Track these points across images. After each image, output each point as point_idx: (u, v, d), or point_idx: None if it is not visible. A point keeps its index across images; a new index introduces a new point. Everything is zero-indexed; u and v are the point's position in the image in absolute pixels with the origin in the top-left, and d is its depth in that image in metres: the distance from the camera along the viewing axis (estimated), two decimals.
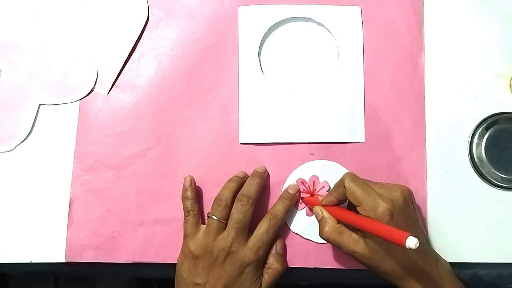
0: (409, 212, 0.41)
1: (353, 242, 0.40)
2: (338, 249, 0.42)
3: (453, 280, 0.41)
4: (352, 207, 0.41)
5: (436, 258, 0.42)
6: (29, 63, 0.49)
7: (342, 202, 0.43)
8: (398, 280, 0.40)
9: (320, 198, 0.44)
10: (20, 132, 0.48)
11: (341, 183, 0.41)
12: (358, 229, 0.40)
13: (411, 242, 0.32)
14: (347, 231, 0.41)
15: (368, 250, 0.40)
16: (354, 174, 0.42)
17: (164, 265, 0.46)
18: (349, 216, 0.40)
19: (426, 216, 0.46)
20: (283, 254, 0.45)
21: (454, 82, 0.48)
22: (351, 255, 0.41)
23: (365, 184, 0.40)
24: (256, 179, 0.45)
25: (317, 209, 0.43)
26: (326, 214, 0.42)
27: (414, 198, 0.44)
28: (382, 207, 0.38)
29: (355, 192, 0.40)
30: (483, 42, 0.48)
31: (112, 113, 0.48)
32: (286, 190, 0.45)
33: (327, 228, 0.41)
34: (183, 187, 0.45)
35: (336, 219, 0.42)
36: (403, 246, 0.32)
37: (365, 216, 0.39)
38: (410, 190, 0.42)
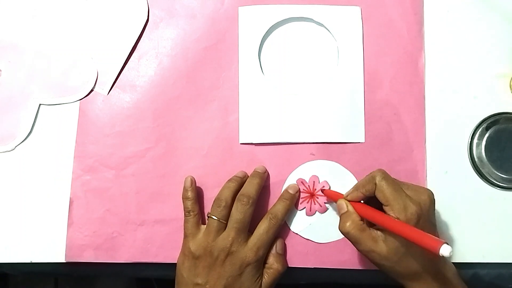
0: (432, 217, 0.41)
1: (372, 241, 0.39)
2: (355, 245, 0.41)
3: (459, 281, 0.41)
4: (372, 205, 0.41)
5: (444, 261, 0.42)
6: (29, 63, 0.49)
7: (366, 198, 0.42)
8: (410, 280, 0.40)
9: (344, 193, 0.43)
10: (20, 132, 0.48)
11: (371, 179, 0.40)
12: (378, 229, 0.40)
13: (445, 250, 0.31)
14: (368, 228, 0.40)
15: (387, 250, 0.39)
16: (386, 171, 0.41)
17: (164, 265, 0.46)
18: (377, 216, 0.39)
19: None
20: (283, 254, 0.45)
21: (454, 82, 0.48)
22: (367, 254, 0.40)
23: (396, 184, 0.40)
24: (256, 179, 0.45)
25: (342, 201, 0.42)
26: (351, 208, 0.42)
27: None
28: (412, 209, 0.38)
29: (386, 191, 0.39)
30: (483, 42, 0.48)
31: (112, 113, 0.48)
32: (286, 190, 0.45)
33: (349, 223, 0.40)
34: (184, 187, 0.45)
35: (360, 215, 0.41)
36: (435, 253, 0.32)
37: (393, 217, 0.38)
38: (434, 194, 0.41)
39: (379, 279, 0.43)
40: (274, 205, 0.45)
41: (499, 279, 0.46)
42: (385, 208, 0.39)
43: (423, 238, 0.34)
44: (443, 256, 0.42)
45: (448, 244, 0.32)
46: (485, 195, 0.46)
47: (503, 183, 0.46)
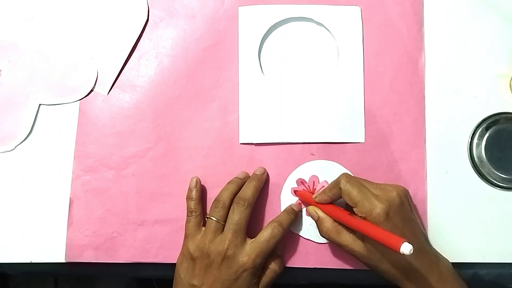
0: (406, 213, 0.40)
1: (352, 241, 0.40)
2: (338, 247, 0.42)
3: (454, 279, 0.41)
4: (348, 207, 0.41)
5: (437, 257, 0.42)
6: (29, 63, 0.49)
7: (335, 201, 0.43)
8: (397, 281, 0.40)
9: (313, 195, 0.44)
10: (20, 132, 0.48)
11: (336, 184, 0.41)
12: None
13: (406, 248, 0.32)
14: (344, 230, 0.41)
15: (366, 250, 0.40)
16: (350, 174, 0.42)
17: (164, 265, 0.46)
18: (345, 217, 0.40)
19: (426, 216, 0.46)
20: (281, 254, 0.45)
21: (454, 82, 0.48)
22: (351, 254, 0.41)
23: (361, 185, 0.40)
24: (254, 181, 0.45)
25: (311, 209, 0.43)
26: (321, 214, 0.42)
27: (411, 198, 0.44)
28: (378, 208, 0.38)
29: (351, 193, 0.40)
30: (483, 42, 0.48)
31: (112, 113, 0.48)
32: (290, 206, 0.45)
33: (324, 229, 0.42)
34: (189, 188, 0.46)
35: (332, 218, 0.42)
36: (397, 252, 0.32)
37: (361, 217, 0.39)
38: (406, 190, 0.42)
39: (379, 279, 0.43)
40: (279, 215, 0.44)
41: (499, 279, 0.46)
42: (354, 209, 0.40)
43: (385, 237, 0.34)
44: (436, 253, 0.43)
45: (409, 242, 0.32)
46: (485, 195, 0.46)
47: (503, 183, 0.46)
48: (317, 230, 0.45)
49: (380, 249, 0.39)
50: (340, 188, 0.40)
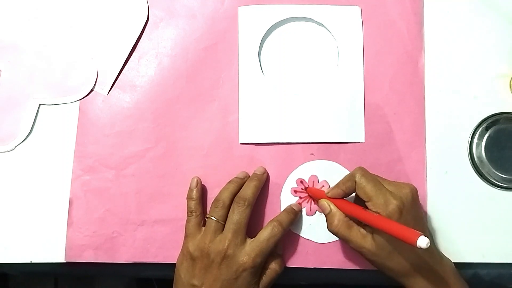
0: (417, 210, 0.41)
1: (361, 237, 0.40)
2: (345, 243, 0.41)
3: (456, 278, 0.41)
4: (359, 201, 0.41)
5: (440, 256, 0.42)
6: (29, 63, 0.49)
7: (348, 195, 0.42)
8: (403, 278, 0.40)
9: (325, 190, 0.44)
10: (20, 132, 0.48)
11: (351, 177, 0.41)
12: (365, 224, 0.40)
13: (422, 241, 0.32)
14: (355, 225, 0.41)
15: (376, 246, 0.39)
16: (365, 169, 0.41)
17: (164, 265, 0.46)
18: (358, 212, 0.39)
19: (426, 216, 0.46)
20: (282, 254, 0.45)
21: (454, 82, 0.48)
22: (358, 250, 0.40)
23: (375, 180, 0.40)
24: (254, 181, 0.45)
25: (324, 202, 0.43)
26: (333, 207, 0.42)
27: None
28: (393, 204, 0.38)
29: (366, 187, 0.40)
30: (483, 42, 0.48)
31: (112, 113, 0.48)
32: (291, 206, 0.45)
33: (335, 222, 0.41)
34: (189, 187, 0.46)
35: (344, 213, 0.41)
36: (413, 245, 0.32)
37: (374, 212, 0.39)
38: (416, 189, 0.42)
39: (379, 279, 0.43)
40: (279, 214, 0.44)
41: (499, 279, 0.46)
42: (367, 204, 0.40)
43: (401, 230, 0.34)
44: (439, 252, 0.43)
45: (425, 236, 0.32)
46: (485, 195, 0.46)
47: (503, 183, 0.46)
48: (317, 230, 0.45)
49: (390, 246, 0.39)
50: (355, 181, 0.40)
